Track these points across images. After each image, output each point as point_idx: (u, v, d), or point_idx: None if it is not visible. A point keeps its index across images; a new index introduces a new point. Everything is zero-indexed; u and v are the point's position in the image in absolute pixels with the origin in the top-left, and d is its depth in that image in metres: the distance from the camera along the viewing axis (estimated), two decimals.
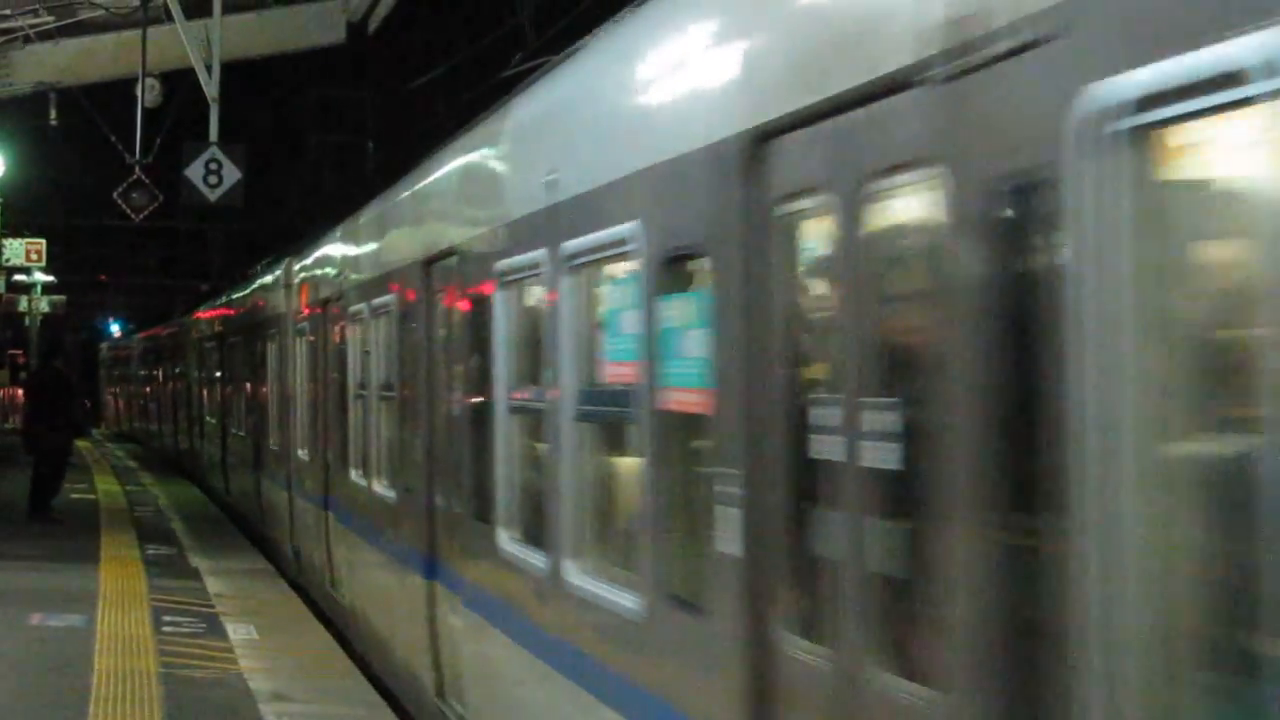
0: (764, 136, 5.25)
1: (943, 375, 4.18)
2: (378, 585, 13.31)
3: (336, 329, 15.64)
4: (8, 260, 40.26)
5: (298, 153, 45.52)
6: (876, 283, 4.67)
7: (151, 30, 22.70)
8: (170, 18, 21.32)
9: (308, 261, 18.59)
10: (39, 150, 36.85)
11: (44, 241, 43.30)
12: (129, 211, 23.82)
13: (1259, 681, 3.00)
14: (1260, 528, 2.97)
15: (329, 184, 42.69)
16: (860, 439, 4.68)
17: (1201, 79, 3.14)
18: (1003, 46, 3.85)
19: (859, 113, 4.63)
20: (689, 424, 6.01)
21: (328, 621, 16.43)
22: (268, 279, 23.06)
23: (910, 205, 4.44)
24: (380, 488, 13.06)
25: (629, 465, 6.81)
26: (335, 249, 16.61)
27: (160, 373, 48.30)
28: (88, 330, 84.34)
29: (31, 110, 28.52)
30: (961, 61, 4.04)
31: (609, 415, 7.13)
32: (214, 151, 19.87)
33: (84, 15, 23.99)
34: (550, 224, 7.74)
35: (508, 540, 8.74)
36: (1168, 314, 3.44)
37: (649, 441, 6.38)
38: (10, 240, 40.06)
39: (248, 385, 24.85)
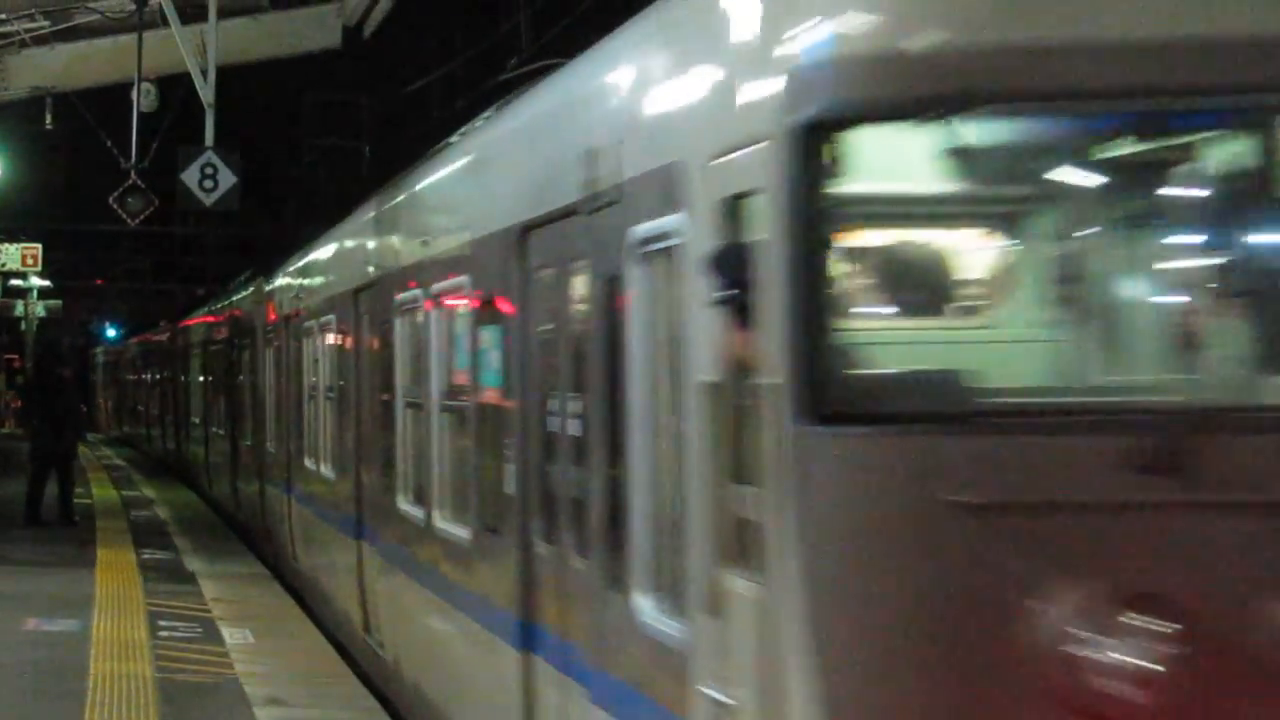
0: (526, 229, 8.19)
1: (585, 379, 7.16)
2: (324, 551, 15.94)
3: (295, 341, 18.33)
4: (4, 265, 40.21)
5: (294, 157, 45.56)
6: (570, 322, 7.49)
7: (147, 35, 22.70)
8: (166, 22, 21.31)
9: (275, 281, 21.06)
10: (35, 155, 36.88)
11: (40, 246, 43.26)
12: (125, 216, 23.80)
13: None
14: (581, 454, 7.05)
15: (325, 188, 42.72)
16: (566, 418, 7.49)
17: (659, 233, 6.13)
18: (603, 200, 6.83)
19: (561, 222, 7.54)
20: (494, 412, 8.92)
21: (293, 590, 18.41)
22: (242, 295, 25.41)
23: (582, 279, 7.23)
24: (325, 471, 15.72)
25: (467, 442, 9.62)
26: (295, 272, 19.19)
27: (149, 377, 49.46)
28: (84, 335, 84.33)
29: (27, 115, 28.52)
30: (591, 204, 7.00)
31: (455, 408, 10.04)
32: (209, 156, 19.82)
33: (80, 20, 23.98)
34: (424, 271, 10.86)
35: (404, 502, 11.57)
36: (656, 355, 6.30)
37: (473, 424, 9.37)
38: (6, 245, 40.02)
39: (227, 389, 26.78)
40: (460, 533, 9.62)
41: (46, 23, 23.71)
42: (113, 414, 66.71)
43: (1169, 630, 4.50)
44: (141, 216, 23.69)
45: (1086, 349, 5.17)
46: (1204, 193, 5.14)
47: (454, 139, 11.64)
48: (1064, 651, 4.57)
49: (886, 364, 5.24)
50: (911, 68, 4.79)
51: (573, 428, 7.39)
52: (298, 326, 18.04)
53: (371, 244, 13.63)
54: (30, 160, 38.15)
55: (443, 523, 10.15)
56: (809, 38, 5.01)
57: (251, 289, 23.81)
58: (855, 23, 4.93)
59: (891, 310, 5.67)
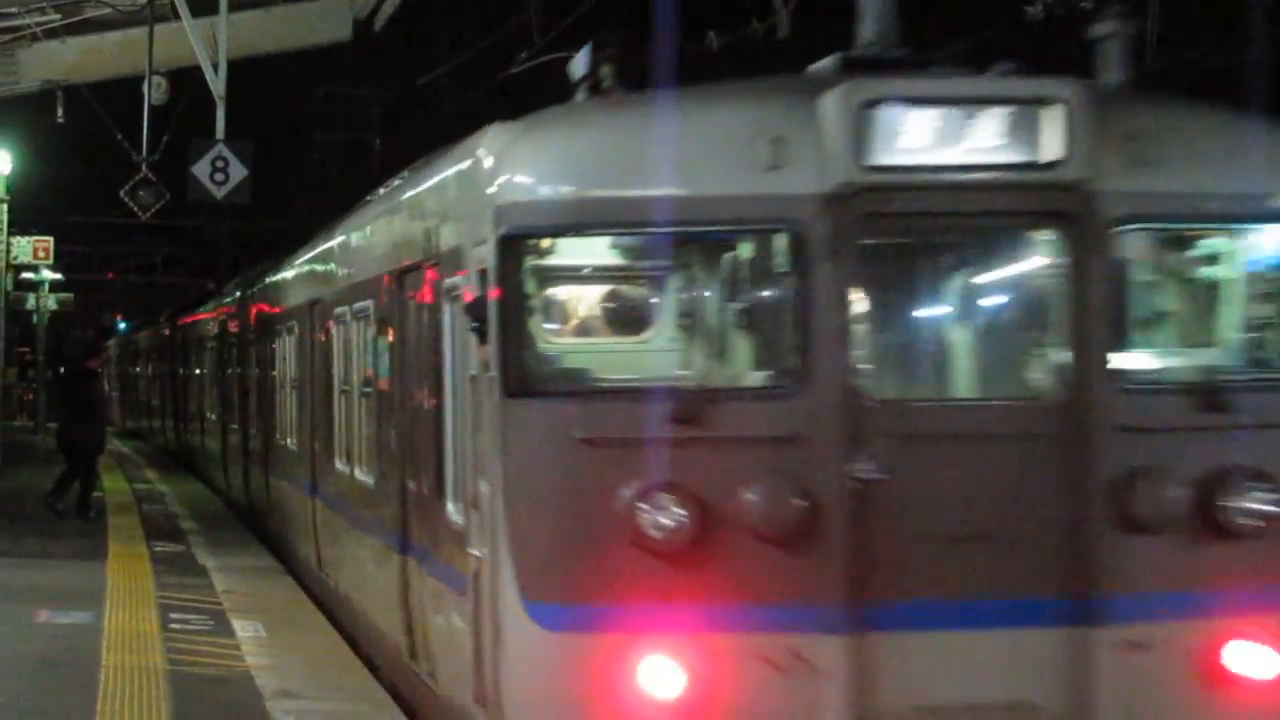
0: (403, 272, 11.99)
1: (427, 372, 11.11)
2: (290, 511, 19.83)
3: (267, 342, 22.25)
4: (15, 258, 40.14)
5: (304, 150, 45.56)
6: (421, 333, 11.35)
7: (158, 28, 22.73)
8: (177, 15, 21.33)
9: (252, 290, 25.16)
10: (46, 148, 36.88)
11: (52, 239, 43.27)
12: (136, 209, 23.82)
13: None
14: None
15: (336, 181, 42.82)
16: (422, 397, 11.30)
17: (455, 284, 10.21)
18: (433, 261, 10.78)
19: (416, 271, 11.46)
20: (387, 395, 12.77)
21: (274, 549, 21.81)
22: (228, 300, 29.80)
23: (427, 308, 11.12)
24: (290, 446, 19.61)
25: (373, 417, 13.46)
26: (266, 287, 23.21)
27: (150, 370, 52.07)
28: (94, 328, 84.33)
29: (39, 108, 28.53)
30: (428, 262, 11.00)
31: (367, 393, 13.87)
32: (220, 149, 19.86)
33: (91, 13, 23.99)
34: (350, 294, 14.77)
35: (339, 464, 15.49)
36: (455, 357, 10.42)
37: (376, 404, 13.30)
38: (18, 238, 39.96)
39: (216, 382, 30.72)
40: (370, 480, 13.64)
41: (58, 16, 23.74)
42: (118, 405, 66.85)
43: (682, 503, 8.62)
44: (153, 210, 23.70)
45: (670, 356, 9.82)
46: (731, 270, 9.56)
47: (379, 192, 15.51)
48: (632, 513, 8.59)
49: (549, 365, 9.24)
50: (552, 208, 9.01)
51: (425, 404, 11.22)
52: (268, 330, 22.10)
53: (319, 269, 17.71)
54: (42, 154, 38.13)
55: (360, 475, 14.23)
56: (506, 187, 9.17)
57: (237, 294, 27.90)
58: (527, 181, 9.13)
59: (553, 333, 9.98)
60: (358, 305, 14.22)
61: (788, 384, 8.85)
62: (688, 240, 9.42)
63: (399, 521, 12.07)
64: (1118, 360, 9.01)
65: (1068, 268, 8.96)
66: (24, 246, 41.60)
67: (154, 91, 23.66)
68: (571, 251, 9.51)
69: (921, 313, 10.01)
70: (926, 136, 8.89)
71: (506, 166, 9.27)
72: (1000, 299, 9.90)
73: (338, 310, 15.46)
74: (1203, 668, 8.98)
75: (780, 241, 9.00)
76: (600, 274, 10.34)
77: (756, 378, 9.27)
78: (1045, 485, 8.84)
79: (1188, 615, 9.02)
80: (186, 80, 24.16)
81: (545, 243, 9.16)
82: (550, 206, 9.02)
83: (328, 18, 24.49)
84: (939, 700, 8.82)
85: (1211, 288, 9.56)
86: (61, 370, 26.71)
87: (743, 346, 9.56)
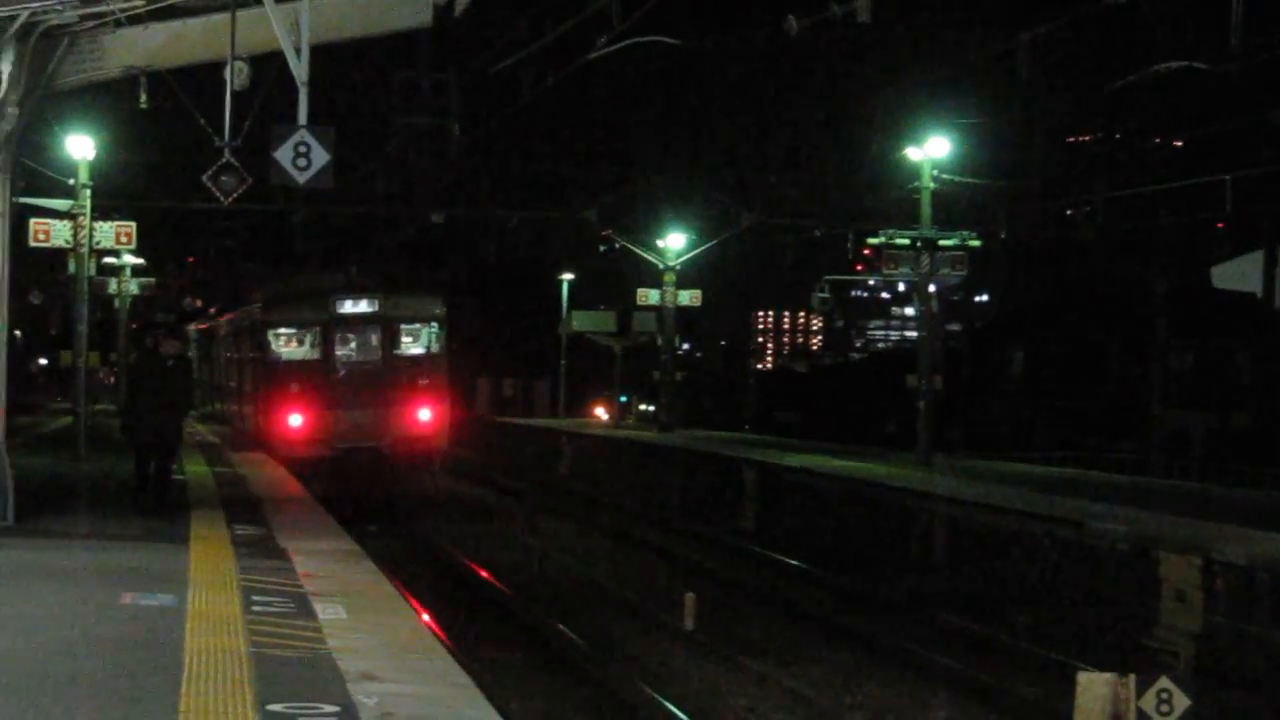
0: (251, 326, 45.52)
1: (239, 363, 49.00)
2: (231, 406, 51.87)
3: (235, 344, 49.32)
4: (98, 243, 40.37)
5: (383, 135, 45.77)
6: (250, 346, 45.22)
7: (240, 13, 22.79)
8: (259, 1, 21.38)
9: (220, 319, 53.82)
10: (129, 134, 37.12)
11: (134, 224, 43.51)
12: (219, 194, 23.90)
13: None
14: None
15: (414, 165, 43.76)
16: (249, 362, 45.35)
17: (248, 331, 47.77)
18: (250, 325, 47.33)
19: (252, 327, 46.21)
20: (249, 363, 45.82)
21: (224, 420, 53.34)
22: (212, 319, 56.36)
23: (254, 338, 44.77)
24: (232, 388, 51.21)
25: (245, 371, 47.07)
26: (225, 320, 53.56)
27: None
28: (174, 312, 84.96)
29: (121, 94, 28.65)
30: (251, 325, 46.91)
31: (244, 363, 46.95)
32: (303, 134, 19.84)
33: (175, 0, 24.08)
34: (243, 329, 48.14)
35: (244, 388, 47.63)
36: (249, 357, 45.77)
37: (246, 366, 46.39)
38: (100, 223, 40.17)
39: (219, 366, 55.35)
40: (250, 389, 45.17)
41: (141, 2, 23.81)
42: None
43: (300, 388, 40.61)
44: (235, 195, 23.78)
45: (303, 350, 41.74)
46: (315, 334, 41.96)
47: (253, 299, 46.82)
48: (290, 388, 40.77)
49: (275, 354, 41.59)
50: (271, 315, 42.40)
51: (254, 365, 43.80)
52: (233, 340, 48.77)
53: (238, 317, 49.51)
54: (124, 139, 38.37)
55: (246, 389, 46.48)
56: (264, 309, 42.76)
57: (216, 318, 54.68)
58: (265, 309, 42.88)
59: (277, 346, 41.73)
60: (241, 333, 46.42)
61: (325, 358, 40.36)
62: (304, 326, 40.88)
63: (252, 398, 43.79)
64: (394, 349, 41.16)
65: (383, 335, 40.62)
66: (106, 231, 41.79)
67: (236, 77, 23.71)
68: (281, 325, 41.04)
69: (352, 343, 40.76)
70: (350, 305, 40.44)
71: (264, 305, 42.42)
72: (372, 341, 40.67)
73: (240, 333, 45.63)
74: (411, 416, 40.43)
75: (323, 327, 40.48)
76: (288, 333, 40.84)
77: (318, 356, 40.42)
78: (376, 381, 40.23)
79: (412, 403, 40.32)
80: (269, 65, 24.22)
81: (272, 324, 40.97)
82: (271, 314, 41.34)
83: (409, 3, 24.49)
84: (352, 422, 39.85)
85: (415, 340, 41.84)
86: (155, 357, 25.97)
87: (317, 349, 40.51)
